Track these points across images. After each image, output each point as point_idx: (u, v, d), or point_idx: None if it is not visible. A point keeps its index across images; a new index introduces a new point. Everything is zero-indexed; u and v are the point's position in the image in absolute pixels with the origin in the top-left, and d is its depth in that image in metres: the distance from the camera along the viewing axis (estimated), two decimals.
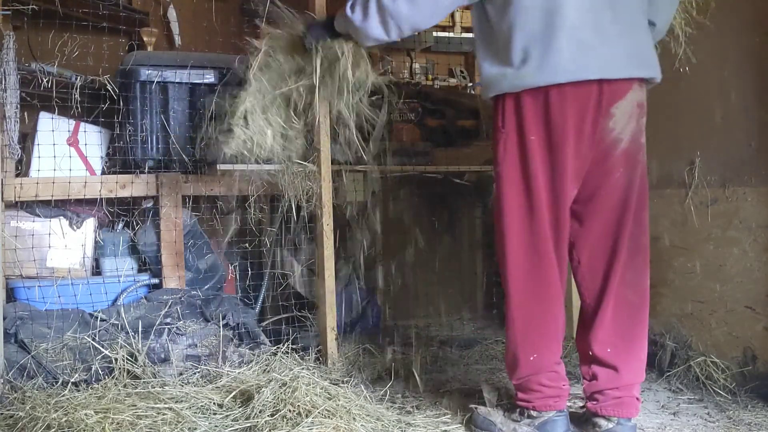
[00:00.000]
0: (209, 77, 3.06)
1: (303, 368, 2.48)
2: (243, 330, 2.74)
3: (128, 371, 2.46)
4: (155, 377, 2.45)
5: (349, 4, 2.13)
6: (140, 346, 2.52)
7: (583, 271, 2.06)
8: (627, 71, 1.93)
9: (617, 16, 1.93)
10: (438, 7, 2.00)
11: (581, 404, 2.33)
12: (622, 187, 1.99)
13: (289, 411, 2.06)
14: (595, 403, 2.05)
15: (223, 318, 2.71)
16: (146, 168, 2.99)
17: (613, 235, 2.00)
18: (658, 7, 2.09)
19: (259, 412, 2.06)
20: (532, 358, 2.00)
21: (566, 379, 2.08)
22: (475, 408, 2.18)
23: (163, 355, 2.56)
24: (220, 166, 2.95)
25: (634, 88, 1.95)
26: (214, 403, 2.23)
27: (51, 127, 2.88)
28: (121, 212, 3.01)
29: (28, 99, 2.80)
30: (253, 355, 2.65)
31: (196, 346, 2.63)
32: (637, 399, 2.04)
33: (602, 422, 2.02)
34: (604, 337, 2.01)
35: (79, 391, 2.32)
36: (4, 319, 2.50)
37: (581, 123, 1.91)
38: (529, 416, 2.06)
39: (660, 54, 2.11)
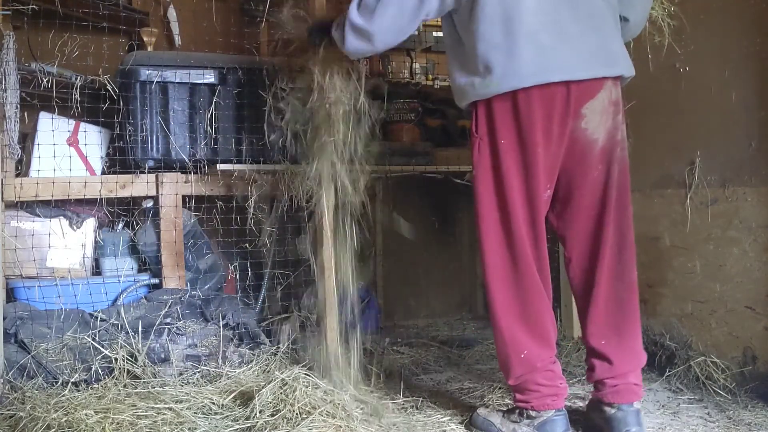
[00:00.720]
0: (209, 77, 3.06)
1: (303, 368, 2.48)
2: (243, 330, 2.74)
3: (128, 371, 2.46)
4: (155, 377, 2.45)
5: (333, 25, 2.22)
6: (140, 346, 2.52)
7: (574, 268, 2.11)
8: (594, 71, 1.97)
9: (578, 15, 1.96)
10: (400, 25, 2.05)
11: (581, 404, 2.34)
12: (601, 184, 2.05)
13: (289, 411, 2.06)
14: (597, 391, 2.12)
15: (223, 318, 2.72)
16: (146, 168, 2.98)
17: (597, 232, 2.06)
18: (631, 2, 2.13)
19: (259, 413, 2.06)
20: (522, 356, 2.02)
21: (563, 378, 2.09)
22: (476, 412, 2.19)
23: (163, 355, 2.56)
24: (220, 167, 2.96)
25: (606, 86, 1.99)
26: (214, 403, 2.23)
27: (51, 127, 2.88)
28: (121, 212, 3.01)
29: (28, 99, 2.80)
30: (253, 355, 2.65)
31: (196, 346, 2.63)
32: (636, 384, 2.08)
33: (606, 408, 2.09)
34: (596, 330, 2.08)
35: (79, 391, 2.32)
36: (4, 319, 2.50)
37: (549, 124, 1.96)
38: (528, 416, 2.07)
39: (655, 51, 2.12)
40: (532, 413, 2.06)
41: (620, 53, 2.04)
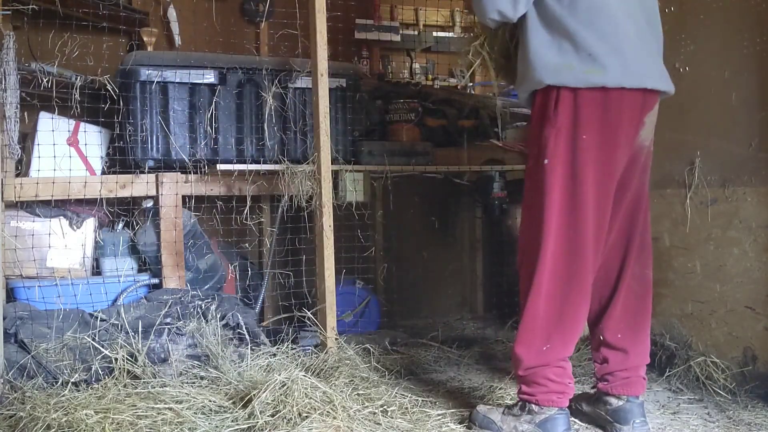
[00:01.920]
0: (209, 77, 3.06)
1: (303, 369, 2.48)
2: (243, 330, 2.74)
3: (128, 371, 2.46)
4: (155, 377, 2.45)
5: None
6: (140, 346, 2.52)
7: (602, 268, 2.14)
8: (661, 84, 2.05)
9: (653, 31, 2.07)
10: None
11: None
12: (637, 188, 2.12)
13: (289, 412, 2.06)
14: (605, 383, 2.16)
15: (223, 318, 2.71)
16: (146, 168, 2.99)
17: (628, 234, 2.13)
18: None
19: (259, 413, 2.06)
20: (545, 348, 2.02)
21: (572, 377, 2.09)
22: (476, 409, 2.18)
23: (163, 355, 2.56)
24: (220, 167, 2.96)
25: (658, 99, 2.09)
26: (214, 404, 2.23)
27: (51, 127, 2.88)
28: (121, 212, 3.01)
29: (28, 99, 2.80)
30: (253, 355, 2.65)
31: (196, 346, 2.63)
32: (644, 378, 2.16)
33: (613, 400, 2.14)
34: (614, 325, 2.14)
35: (79, 391, 2.32)
36: (4, 319, 2.50)
37: (630, 128, 2.00)
38: (530, 411, 2.06)
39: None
40: (535, 408, 2.05)
41: (667, 71, 2.12)
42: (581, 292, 2.03)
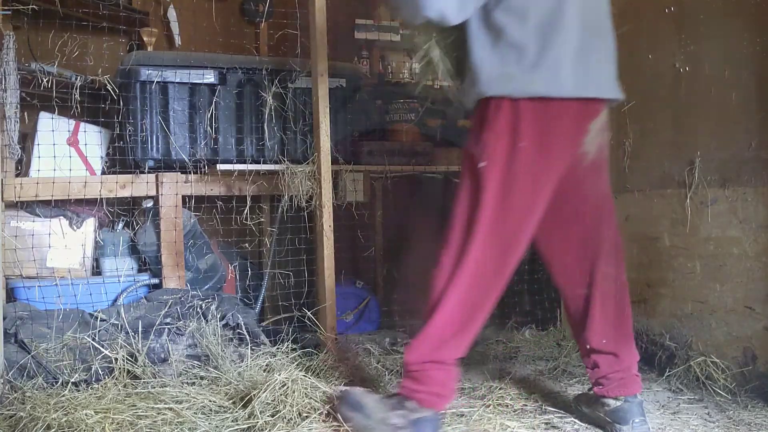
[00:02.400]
0: (209, 77, 3.06)
1: (303, 369, 2.48)
2: (243, 330, 2.74)
3: (128, 371, 2.46)
4: (155, 377, 2.45)
5: None
6: (140, 346, 2.52)
7: (570, 275, 2.15)
8: (607, 92, 2.04)
9: (602, 38, 2.03)
10: None
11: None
12: (592, 194, 2.11)
13: (289, 412, 2.06)
14: (601, 387, 2.15)
15: (223, 318, 2.71)
16: (146, 168, 2.99)
17: (593, 239, 2.12)
18: None
19: (259, 413, 2.06)
20: (442, 347, 1.98)
21: (455, 383, 2.04)
22: (347, 388, 2.10)
23: (163, 355, 2.56)
24: (220, 167, 2.96)
25: (604, 108, 2.07)
26: (214, 404, 2.23)
27: (51, 127, 2.88)
28: (121, 212, 3.01)
29: (28, 99, 2.80)
30: (253, 355, 2.65)
31: (196, 346, 2.63)
32: (637, 375, 2.16)
33: (610, 401, 2.14)
34: (598, 330, 2.14)
35: (79, 391, 2.32)
36: (4, 319, 2.50)
37: (572, 137, 2.00)
38: (406, 408, 1.98)
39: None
40: (412, 405, 1.98)
41: (616, 79, 2.09)
42: (495, 297, 2.03)
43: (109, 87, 2.87)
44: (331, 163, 2.84)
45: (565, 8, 1.94)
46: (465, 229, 2.01)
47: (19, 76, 2.65)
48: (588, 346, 2.15)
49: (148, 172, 2.97)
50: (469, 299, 1.99)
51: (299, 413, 2.07)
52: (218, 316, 2.71)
